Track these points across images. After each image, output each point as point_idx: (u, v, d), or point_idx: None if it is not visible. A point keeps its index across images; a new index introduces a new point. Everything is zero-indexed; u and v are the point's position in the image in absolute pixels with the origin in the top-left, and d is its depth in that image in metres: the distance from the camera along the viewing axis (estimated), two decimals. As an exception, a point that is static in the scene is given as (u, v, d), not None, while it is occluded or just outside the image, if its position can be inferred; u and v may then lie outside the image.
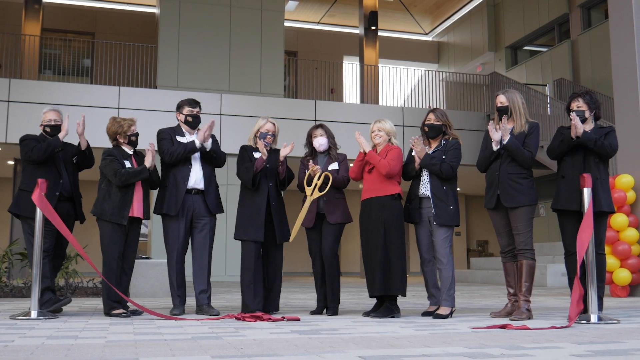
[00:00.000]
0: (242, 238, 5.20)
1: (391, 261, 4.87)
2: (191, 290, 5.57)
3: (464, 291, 9.44)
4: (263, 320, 4.62)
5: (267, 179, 5.28)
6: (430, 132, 5.25)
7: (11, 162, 14.66)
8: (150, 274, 7.89)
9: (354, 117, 14.30)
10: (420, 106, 16.72)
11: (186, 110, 5.52)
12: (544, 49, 17.65)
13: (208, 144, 5.44)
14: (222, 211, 5.53)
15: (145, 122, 11.06)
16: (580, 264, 4.48)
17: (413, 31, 22.15)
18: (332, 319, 4.89)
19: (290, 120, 13.71)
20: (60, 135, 5.23)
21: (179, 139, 5.40)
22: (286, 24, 16.72)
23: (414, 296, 7.98)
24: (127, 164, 5.15)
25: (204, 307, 5.30)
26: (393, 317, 4.90)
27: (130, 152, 5.30)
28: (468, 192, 20.98)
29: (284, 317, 4.72)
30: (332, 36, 21.13)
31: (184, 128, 5.50)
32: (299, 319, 4.73)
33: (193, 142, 5.33)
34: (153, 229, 13.25)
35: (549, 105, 14.10)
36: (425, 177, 5.12)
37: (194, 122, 5.49)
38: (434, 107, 15.87)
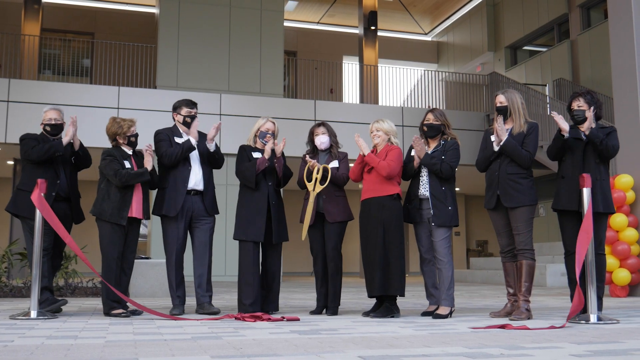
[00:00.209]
0: (242, 238, 5.19)
1: (390, 261, 4.87)
2: (190, 290, 5.57)
3: (463, 291, 9.44)
4: (263, 320, 4.62)
5: (266, 178, 5.28)
6: (429, 132, 5.25)
7: (11, 162, 14.66)
8: (149, 274, 7.89)
9: (353, 117, 14.30)
10: (420, 106, 16.72)
11: (184, 111, 5.52)
12: (544, 49, 17.65)
13: (212, 147, 5.46)
14: (217, 212, 5.54)
15: (145, 122, 11.05)
16: (580, 265, 4.48)
17: (412, 31, 22.15)
18: (332, 319, 4.89)
19: (290, 120, 13.71)
20: (64, 141, 5.23)
21: (177, 139, 5.40)
22: (286, 24, 16.72)
23: (414, 296, 7.98)
24: (127, 164, 5.15)
25: (205, 305, 5.31)
26: (392, 317, 4.90)
27: (130, 152, 5.30)
28: (467, 192, 20.99)
29: (283, 317, 4.72)
30: (331, 36, 21.13)
31: (181, 129, 5.51)
32: (298, 319, 4.73)
33: (189, 140, 5.33)
34: (153, 229, 13.25)
35: (548, 105, 14.10)
36: (424, 178, 5.13)
37: (192, 123, 5.49)
38: (433, 107, 15.91)
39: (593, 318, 4.49)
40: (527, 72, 17.82)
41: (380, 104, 17.50)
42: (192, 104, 5.57)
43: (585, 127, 4.81)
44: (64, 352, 3.02)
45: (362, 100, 17.65)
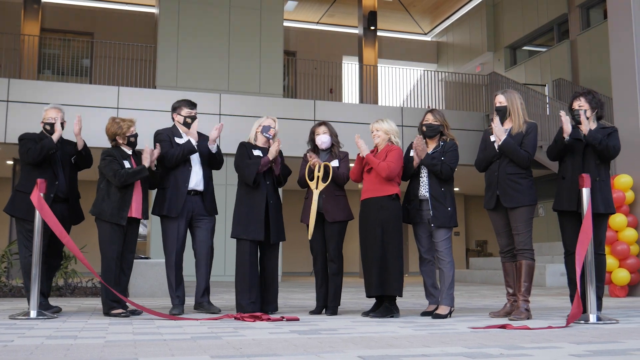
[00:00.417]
0: (241, 237, 5.15)
1: (388, 261, 4.88)
2: (190, 290, 5.58)
3: (463, 291, 9.44)
4: (262, 320, 4.62)
5: (265, 177, 5.26)
6: (428, 132, 5.26)
7: (10, 162, 14.66)
8: (149, 274, 7.89)
9: (353, 117, 14.29)
10: (419, 106, 16.72)
11: (185, 111, 5.53)
12: (543, 49, 17.66)
13: (213, 148, 5.46)
14: (217, 213, 5.55)
15: (145, 122, 11.05)
16: (580, 267, 4.48)
17: (412, 31, 22.15)
18: (331, 319, 4.89)
19: (290, 120, 13.71)
20: (54, 137, 5.18)
21: (177, 140, 5.41)
22: (285, 24, 16.72)
23: (413, 296, 7.98)
24: (127, 164, 5.14)
25: (204, 304, 5.34)
26: (392, 317, 4.91)
27: (130, 152, 5.29)
28: (467, 192, 20.99)
29: (283, 317, 4.72)
30: (331, 36, 21.13)
31: (181, 129, 5.51)
32: (298, 319, 4.73)
33: (189, 142, 5.34)
34: (152, 229, 13.25)
35: (548, 105, 14.11)
36: (424, 179, 5.13)
37: (192, 124, 5.50)
38: (432, 107, 15.92)
39: (592, 318, 4.49)
40: (526, 72, 17.83)
41: (379, 104, 17.50)
42: (192, 105, 5.58)
43: (584, 129, 4.80)
44: (63, 352, 3.02)
45: (361, 101, 17.65)
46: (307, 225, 5.35)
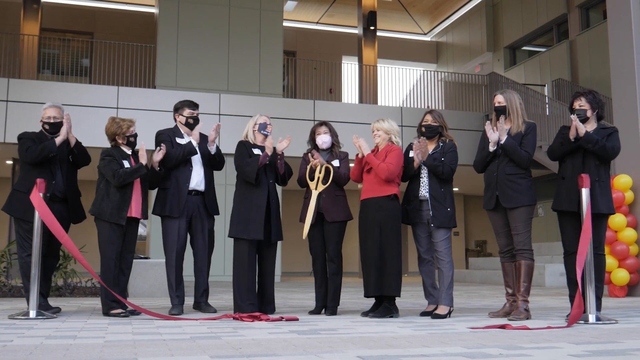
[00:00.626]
0: (240, 236, 5.09)
1: (386, 261, 4.88)
2: (189, 290, 5.58)
3: (462, 291, 9.44)
4: (261, 320, 4.62)
5: (267, 175, 5.23)
6: (427, 133, 5.27)
7: (9, 162, 14.66)
8: (148, 274, 7.89)
9: (352, 117, 14.30)
10: (419, 106, 16.73)
11: (187, 112, 5.53)
12: (543, 49, 17.66)
13: (213, 148, 5.47)
14: (218, 213, 5.55)
15: (144, 122, 11.05)
16: (581, 267, 4.48)
17: (412, 31, 22.15)
18: (331, 319, 4.89)
19: (289, 120, 13.72)
20: (58, 140, 5.14)
21: (178, 140, 5.41)
22: (285, 24, 16.71)
23: (412, 296, 7.98)
24: (126, 164, 5.14)
25: (202, 305, 5.37)
26: (391, 317, 4.91)
27: (129, 152, 5.29)
28: (466, 192, 21.00)
29: (282, 317, 4.72)
30: (330, 36, 21.13)
31: (183, 130, 5.52)
32: (297, 319, 4.73)
33: (190, 143, 5.35)
34: (152, 229, 13.25)
35: (547, 106, 14.11)
36: (424, 179, 5.13)
37: (194, 124, 5.51)
38: (431, 108, 15.93)
39: (592, 318, 4.50)
40: (526, 72, 17.83)
41: (379, 104, 17.50)
42: (194, 105, 5.58)
43: (581, 131, 4.78)
44: (63, 352, 3.02)
45: (361, 101, 17.65)
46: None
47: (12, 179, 14.34)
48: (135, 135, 5.32)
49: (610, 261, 7.98)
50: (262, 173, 5.19)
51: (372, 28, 18.72)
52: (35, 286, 4.74)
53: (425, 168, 5.14)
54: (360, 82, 17.81)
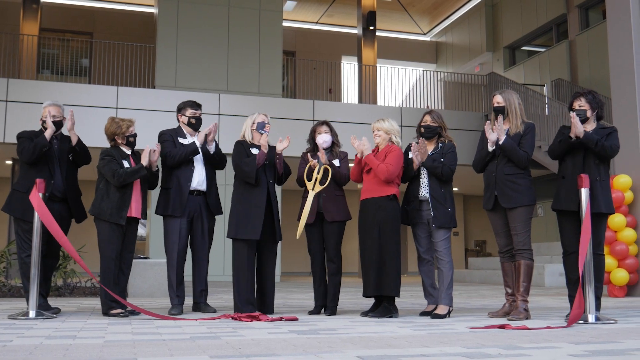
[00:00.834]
0: (239, 237, 5.08)
1: (385, 262, 4.88)
2: (189, 290, 5.58)
3: (461, 291, 9.45)
4: (259, 320, 4.62)
5: (266, 175, 5.23)
6: (426, 133, 5.27)
7: (9, 162, 14.65)
8: (148, 274, 7.89)
9: (352, 117, 14.30)
10: (419, 106, 16.73)
11: (189, 112, 5.54)
12: (542, 49, 17.66)
13: (212, 148, 5.47)
14: (221, 212, 5.55)
15: (144, 122, 11.04)
16: (581, 268, 4.48)
17: (411, 31, 22.15)
18: (330, 318, 4.89)
19: (289, 120, 13.73)
20: (47, 134, 5.14)
21: (180, 140, 5.42)
22: (284, 24, 16.71)
23: (412, 296, 7.98)
24: (126, 164, 5.14)
25: (201, 306, 5.38)
26: (391, 317, 4.91)
27: (129, 152, 5.29)
28: (466, 192, 21.00)
29: (281, 317, 4.72)
30: (330, 36, 21.13)
31: (186, 130, 5.53)
32: (297, 319, 4.73)
33: (194, 143, 5.36)
34: (151, 229, 13.25)
35: (546, 106, 14.11)
36: (424, 180, 5.14)
37: (196, 124, 5.53)
38: (430, 108, 15.93)
39: (591, 318, 4.50)
40: (525, 72, 17.84)
41: (378, 104, 17.50)
42: (196, 106, 5.59)
43: (580, 130, 4.78)
44: (62, 352, 3.02)
45: (360, 101, 17.65)
46: (305, 225, 5.35)
47: (12, 179, 14.34)
48: (134, 135, 5.33)
49: (609, 261, 7.99)
50: (262, 173, 5.18)
51: (371, 28, 18.73)
52: (35, 286, 4.73)
53: (427, 170, 5.14)
54: (359, 82, 17.81)
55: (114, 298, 4.93)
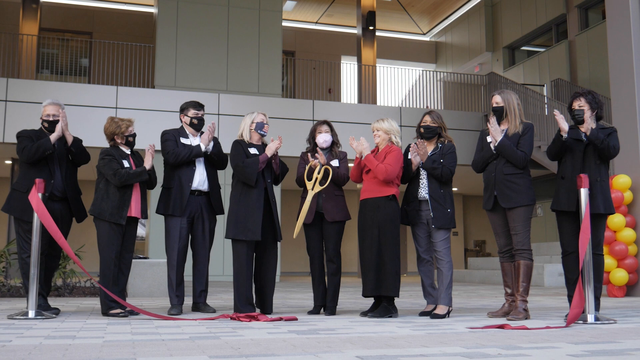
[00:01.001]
0: (239, 237, 5.07)
1: (385, 262, 4.88)
2: (189, 290, 5.58)
3: (461, 291, 9.45)
4: (258, 320, 4.62)
5: (264, 175, 5.22)
6: (426, 134, 5.26)
7: (9, 162, 14.65)
8: (147, 274, 7.89)
9: (351, 117, 14.31)
10: (418, 106, 16.74)
11: (191, 112, 5.54)
12: (542, 50, 17.67)
13: (209, 147, 5.47)
14: (223, 212, 5.55)
15: (143, 122, 11.05)
16: (581, 267, 4.48)
17: (411, 31, 22.16)
18: (330, 318, 4.89)
19: (288, 120, 13.73)
20: (53, 138, 5.13)
21: (183, 140, 5.43)
22: (284, 23, 16.72)
23: (411, 296, 7.98)
24: (125, 164, 5.14)
25: (200, 306, 5.38)
26: (390, 317, 4.91)
27: (128, 152, 5.29)
28: (465, 192, 21.00)
29: (281, 317, 4.72)
30: (330, 36, 21.14)
31: (188, 130, 5.53)
32: (296, 319, 4.73)
33: (199, 146, 5.36)
34: (151, 229, 13.24)
35: (546, 106, 14.12)
36: (424, 180, 5.14)
37: (198, 125, 5.53)
38: (430, 108, 15.94)
39: (590, 318, 4.50)
40: (525, 72, 17.84)
41: (378, 104, 17.51)
42: (199, 106, 5.60)
43: (584, 128, 4.80)
44: (62, 352, 3.02)
45: (360, 101, 17.65)
46: (303, 224, 5.35)
47: (12, 178, 14.34)
48: (134, 135, 5.32)
49: (609, 261, 7.99)
50: (259, 173, 5.18)
51: (371, 28, 18.73)
52: (35, 286, 4.73)
53: (426, 171, 5.14)
54: (359, 82, 17.81)
55: (113, 298, 4.93)
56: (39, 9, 16.31)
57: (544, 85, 16.45)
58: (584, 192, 4.64)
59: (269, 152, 5.17)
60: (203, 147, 5.37)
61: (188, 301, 5.64)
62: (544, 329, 4.11)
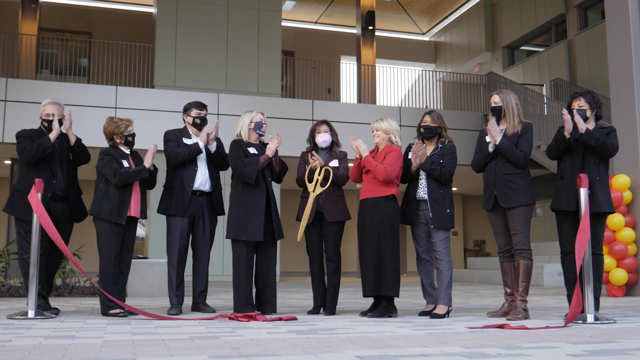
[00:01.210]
0: (240, 238, 5.05)
1: (384, 262, 4.87)
2: (189, 290, 5.58)
3: (461, 291, 9.45)
4: (256, 320, 4.61)
5: (264, 175, 5.21)
6: (426, 134, 5.26)
7: (8, 162, 14.64)
8: (147, 274, 7.89)
9: (351, 117, 14.31)
10: (418, 106, 16.74)
11: (194, 112, 5.55)
12: (541, 49, 17.67)
13: (213, 147, 5.47)
14: (224, 213, 5.55)
15: (143, 122, 11.05)
16: (579, 267, 4.48)
17: (410, 31, 22.16)
18: (330, 318, 4.89)
19: (288, 120, 13.73)
20: (52, 136, 5.13)
21: (185, 140, 5.43)
22: (283, 23, 16.72)
23: (411, 296, 7.98)
24: (125, 164, 5.14)
25: (200, 306, 5.38)
26: (390, 316, 4.91)
27: (127, 152, 5.29)
28: (465, 192, 21.01)
29: (281, 317, 4.71)
30: (329, 36, 21.14)
31: (191, 130, 5.53)
32: (296, 319, 4.73)
33: (197, 143, 5.36)
34: (151, 229, 13.24)
35: (545, 106, 14.12)
36: (423, 181, 5.14)
37: (201, 125, 5.52)
38: (430, 108, 15.93)
39: (590, 318, 4.50)
40: (524, 72, 17.85)
41: (377, 103, 17.51)
42: (201, 106, 5.60)
43: (581, 128, 4.79)
44: (61, 352, 3.02)
45: (359, 100, 17.65)
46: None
47: (11, 178, 14.34)
48: (133, 135, 5.32)
49: (608, 261, 7.99)
50: (261, 173, 5.17)
51: (370, 28, 18.73)
52: (34, 286, 4.73)
53: (425, 172, 5.14)
54: (358, 82, 17.81)
55: (113, 297, 4.92)
56: (38, 8, 16.30)
57: (543, 85, 16.46)
58: (583, 192, 4.64)
59: (269, 152, 5.17)
60: (201, 145, 5.37)
61: (188, 301, 5.63)
62: (543, 328, 4.11)
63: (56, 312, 5.18)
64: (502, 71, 18.30)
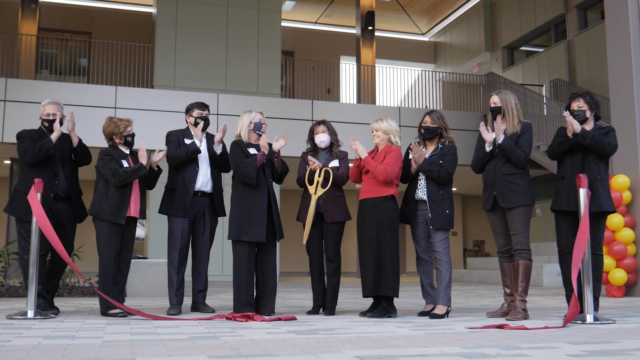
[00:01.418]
0: (242, 239, 5.00)
1: (383, 262, 4.87)
2: (188, 290, 5.58)
3: (460, 291, 9.45)
4: (254, 320, 4.61)
5: (265, 175, 5.19)
6: (426, 134, 5.25)
7: (8, 162, 14.64)
8: (147, 274, 7.89)
9: (350, 117, 14.31)
10: (417, 106, 16.75)
11: (196, 112, 5.55)
12: (541, 50, 17.68)
13: (218, 149, 5.47)
14: (225, 214, 5.55)
15: (142, 122, 11.04)
16: (577, 267, 4.48)
17: (410, 31, 22.17)
18: (329, 318, 4.89)
19: (287, 120, 13.73)
20: (53, 137, 5.13)
21: (187, 141, 5.43)
22: (283, 23, 16.71)
23: (411, 296, 7.99)
24: (124, 164, 5.14)
25: (199, 306, 5.38)
26: (390, 317, 4.91)
27: (127, 152, 5.28)
28: (464, 192, 21.02)
29: (280, 317, 4.71)
30: (329, 36, 21.14)
31: (193, 130, 5.54)
32: (295, 319, 4.73)
33: (194, 143, 5.36)
34: (150, 229, 13.24)
35: (545, 106, 14.13)
36: (422, 181, 5.14)
37: (203, 125, 5.52)
38: (431, 108, 15.94)
39: (589, 318, 4.50)
40: (524, 72, 17.85)
41: (377, 104, 17.52)
42: (203, 106, 5.61)
43: (576, 128, 4.79)
44: (61, 352, 3.02)
45: (359, 101, 17.66)
46: (304, 225, 5.34)
47: (10, 178, 14.33)
48: (132, 135, 5.32)
49: (608, 261, 7.99)
50: (261, 173, 5.15)
51: (370, 28, 18.74)
52: (33, 286, 4.72)
53: (423, 174, 5.14)
54: (358, 82, 17.82)
55: (112, 298, 4.91)
56: (38, 8, 16.30)
57: (542, 86, 16.47)
58: (582, 192, 4.64)
59: (263, 149, 5.13)
60: (198, 143, 5.37)
61: (187, 301, 5.63)
62: (543, 329, 4.11)
63: (56, 312, 5.18)
64: (501, 71, 18.30)
